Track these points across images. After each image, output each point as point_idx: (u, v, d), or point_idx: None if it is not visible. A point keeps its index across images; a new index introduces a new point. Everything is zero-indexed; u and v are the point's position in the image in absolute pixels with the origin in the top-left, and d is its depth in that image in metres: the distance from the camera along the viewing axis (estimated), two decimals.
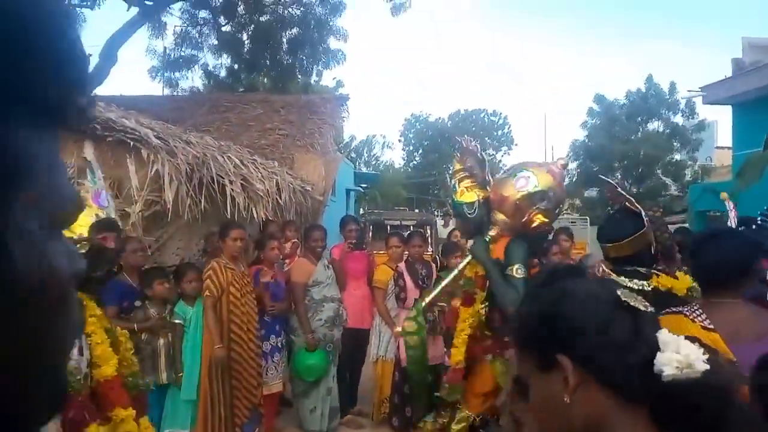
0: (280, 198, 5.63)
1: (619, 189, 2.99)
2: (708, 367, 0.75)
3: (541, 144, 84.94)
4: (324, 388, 4.72)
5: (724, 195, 3.77)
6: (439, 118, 40.81)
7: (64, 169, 0.37)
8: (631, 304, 0.84)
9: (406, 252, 5.33)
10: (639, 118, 26.27)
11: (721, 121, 26.36)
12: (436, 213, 25.19)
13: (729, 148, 13.06)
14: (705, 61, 67.14)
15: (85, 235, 1.85)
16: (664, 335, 0.79)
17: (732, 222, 3.44)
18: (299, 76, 15.42)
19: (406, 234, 5.92)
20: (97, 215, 1.86)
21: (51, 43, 0.33)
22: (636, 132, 25.93)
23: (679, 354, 0.75)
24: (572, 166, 28.74)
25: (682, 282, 2.48)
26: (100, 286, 2.12)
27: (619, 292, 0.85)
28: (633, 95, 26.63)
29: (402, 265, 5.14)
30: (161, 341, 3.75)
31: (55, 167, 0.35)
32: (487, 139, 40.75)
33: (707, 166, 24.15)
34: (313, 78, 16.92)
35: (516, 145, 41.07)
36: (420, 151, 40.62)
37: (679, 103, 25.20)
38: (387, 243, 5.56)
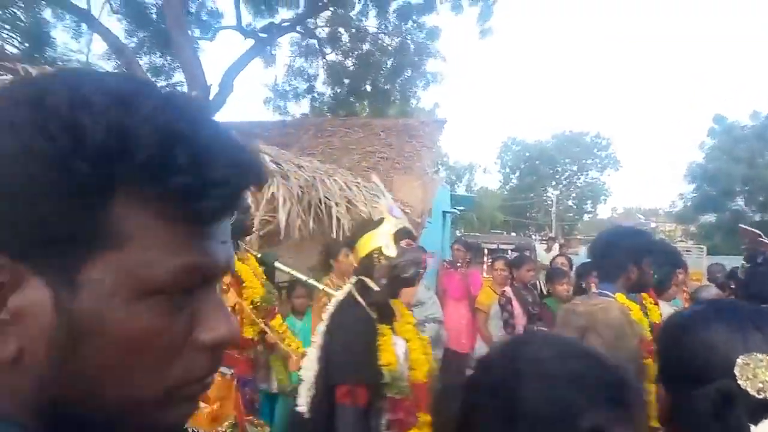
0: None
1: (763, 237, 2.74)
2: None
3: (650, 165, 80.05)
4: None
5: None
6: (538, 140, 39.85)
7: (177, 246, 0.41)
8: None
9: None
10: (763, 141, 24.09)
11: None
12: (534, 237, 24.43)
13: None
14: None
15: (391, 242, 2.03)
16: None
17: None
18: (398, 100, 15.82)
19: (511, 257, 5.82)
20: (396, 225, 2.11)
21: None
22: (761, 155, 23.76)
23: None
24: (688, 189, 26.88)
25: None
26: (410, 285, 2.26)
27: None
28: (760, 115, 24.50)
29: (509, 290, 5.03)
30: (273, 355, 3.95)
31: (159, 243, 0.40)
32: (588, 160, 39.17)
33: None
34: (413, 102, 17.28)
35: (622, 166, 39.07)
36: (517, 174, 39.79)
37: None
38: (492, 266, 5.49)
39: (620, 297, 2.33)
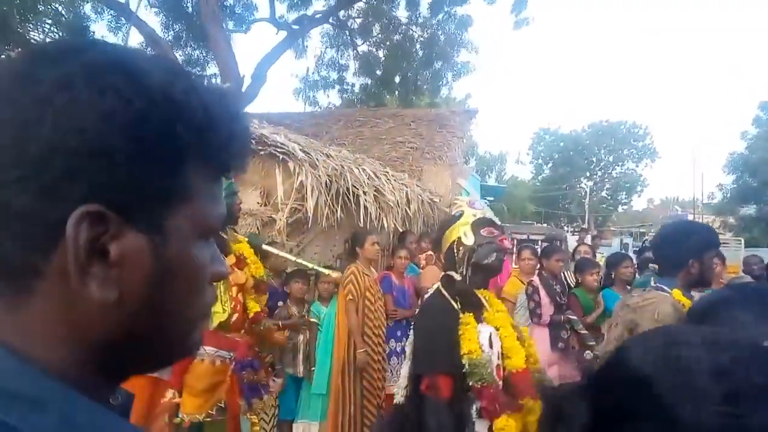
0: (409, 209, 5.78)
1: None
2: None
3: (689, 155, 77.69)
4: None
5: None
6: (573, 130, 39.12)
7: (218, 198, 0.53)
8: None
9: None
10: None
11: None
12: (566, 228, 24.07)
13: None
14: None
15: (470, 231, 2.07)
16: None
17: None
18: (429, 91, 15.78)
19: (541, 247, 5.78)
20: (474, 215, 2.12)
21: (198, 117, 0.48)
22: None
23: None
24: (728, 180, 26.06)
25: None
26: (493, 275, 2.30)
27: None
28: None
29: (536, 280, 5.01)
30: (300, 337, 4.07)
31: (211, 195, 0.51)
32: (624, 151, 38.28)
33: None
34: (444, 92, 17.20)
35: (660, 157, 38.05)
36: (549, 165, 39.19)
37: None
38: (519, 255, 5.47)
39: (676, 293, 2.29)
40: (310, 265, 3.24)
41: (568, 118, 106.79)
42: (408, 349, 2.10)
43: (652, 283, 2.40)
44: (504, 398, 1.84)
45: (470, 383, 1.82)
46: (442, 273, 2.13)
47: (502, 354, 1.96)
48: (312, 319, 4.10)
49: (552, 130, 39.74)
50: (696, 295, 2.53)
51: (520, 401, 1.86)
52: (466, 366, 1.83)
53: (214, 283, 0.55)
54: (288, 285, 4.15)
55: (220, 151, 0.51)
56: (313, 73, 15.81)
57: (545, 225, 26.62)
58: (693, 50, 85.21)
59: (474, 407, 1.83)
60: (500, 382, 1.89)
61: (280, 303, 4.12)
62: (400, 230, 5.35)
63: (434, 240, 2.22)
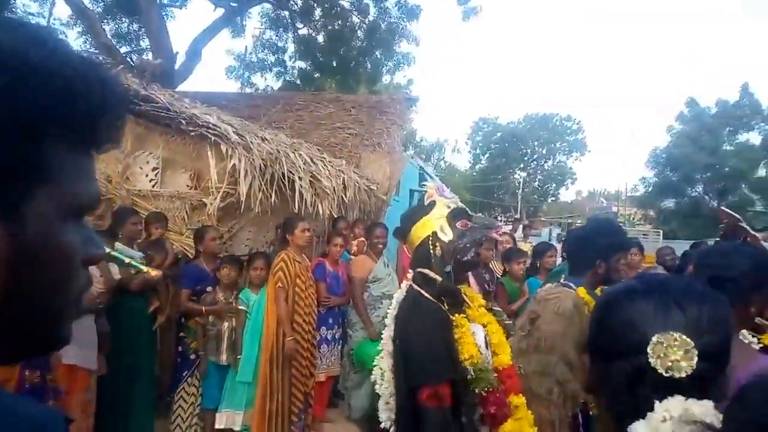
0: (345, 195, 5.77)
1: (743, 222, 2.80)
2: None
3: (616, 150, 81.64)
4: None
5: None
6: (511, 122, 40.16)
7: (89, 174, 0.49)
8: None
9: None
10: (728, 129, 24.75)
11: None
12: (499, 217, 24.78)
13: None
14: None
15: (447, 226, 1.91)
16: None
17: None
18: (369, 78, 15.71)
19: None
20: (448, 206, 1.96)
21: (64, 83, 0.45)
22: (724, 143, 24.44)
23: None
24: (650, 174, 27.51)
25: None
26: (471, 270, 2.19)
27: None
28: (725, 104, 25.09)
29: None
30: (226, 324, 3.99)
31: (78, 172, 0.48)
32: (557, 144, 39.71)
33: None
34: (385, 78, 17.20)
35: (589, 151, 39.76)
36: (486, 155, 40.12)
37: None
38: None
39: (581, 290, 2.41)
40: (127, 261, 2.96)
41: (507, 109, 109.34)
42: (386, 365, 1.91)
43: (562, 280, 2.54)
44: (506, 402, 1.76)
45: (475, 390, 1.71)
46: (412, 270, 1.97)
47: (492, 351, 1.88)
48: (240, 306, 4.02)
49: (490, 121, 40.63)
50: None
51: (507, 399, 1.79)
52: (471, 373, 1.71)
53: (92, 267, 0.52)
54: (219, 270, 4.06)
55: (86, 124, 0.47)
56: (250, 53, 15.40)
57: (480, 214, 27.26)
58: (628, 47, 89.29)
59: (477, 414, 1.73)
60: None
61: (209, 288, 4.02)
62: (335, 216, 5.33)
63: (400, 231, 2.05)
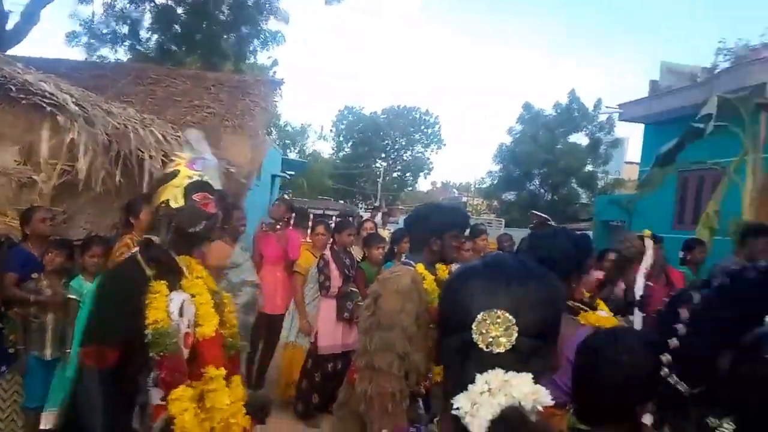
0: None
1: (550, 221, 3.10)
2: None
3: (469, 145, 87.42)
4: None
5: (647, 233, 3.87)
6: (374, 111, 41.01)
7: None
8: None
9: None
10: (561, 129, 27.61)
11: (631, 137, 28.24)
12: (359, 205, 25.31)
13: (637, 163, 14.01)
14: (625, 81, 71.67)
15: (180, 195, 1.83)
16: None
17: (647, 261, 3.52)
18: (233, 55, 15.03)
19: (334, 222, 5.99)
20: (190, 177, 1.84)
21: None
22: (558, 142, 27.25)
23: None
24: (496, 168, 29.86)
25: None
26: (202, 243, 2.10)
27: None
28: (559, 107, 27.95)
29: (327, 253, 5.18)
30: (50, 316, 3.60)
31: None
32: (416, 135, 41.40)
33: (619, 180, 25.83)
34: (249, 58, 16.53)
35: (445, 144, 42.03)
36: (350, 143, 40.62)
37: (598, 119, 26.74)
38: (313, 230, 5.61)
39: (420, 267, 2.56)
40: None
41: (370, 99, 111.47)
42: None
43: (403, 258, 2.72)
44: (184, 368, 1.79)
45: (151, 353, 1.74)
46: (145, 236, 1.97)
47: (195, 322, 1.91)
48: (71, 296, 3.63)
49: (355, 110, 41.16)
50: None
51: (202, 369, 1.83)
52: (150, 336, 1.74)
53: None
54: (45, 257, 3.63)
55: None
56: (101, 22, 13.91)
57: (341, 202, 27.65)
58: (479, 49, 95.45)
59: (152, 376, 1.76)
60: (186, 351, 1.83)
61: (35, 274, 3.59)
62: None
63: (146, 197, 2.04)
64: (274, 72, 20.82)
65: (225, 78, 10.56)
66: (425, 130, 41.49)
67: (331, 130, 41.59)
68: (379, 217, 10.29)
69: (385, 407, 2.25)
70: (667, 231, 8.76)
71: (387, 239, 6.00)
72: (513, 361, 0.78)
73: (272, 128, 27.97)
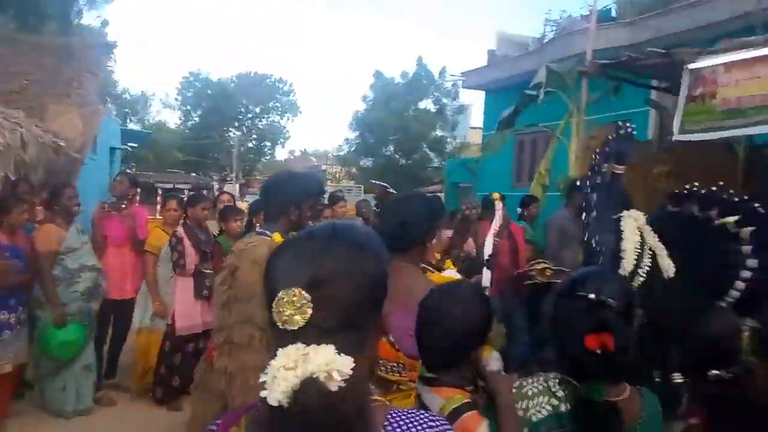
0: (26, 153, 4.89)
1: (390, 189, 3.21)
2: None
3: (326, 114, 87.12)
4: (79, 365, 4.35)
5: (495, 196, 4.12)
6: (222, 78, 38.98)
7: None
8: None
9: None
10: (411, 96, 28.59)
11: (475, 103, 30.16)
12: (214, 177, 24.19)
13: (480, 128, 14.99)
14: (468, 50, 75.81)
15: None
16: None
17: (498, 221, 3.78)
18: (54, 15, 13.25)
19: (186, 196, 5.66)
20: None
21: None
22: (409, 109, 28.21)
23: None
24: (352, 136, 30.24)
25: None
26: None
27: None
28: (408, 76, 28.84)
29: (180, 230, 4.91)
30: None
31: None
32: (271, 103, 40.28)
33: (464, 144, 27.54)
34: (74, 19, 14.70)
35: (301, 112, 41.40)
36: (199, 112, 38.37)
37: (444, 86, 28.10)
38: (164, 206, 5.26)
39: (277, 236, 2.50)
40: None
41: (219, 65, 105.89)
42: None
43: (258, 229, 2.67)
44: None
45: None
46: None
47: None
48: None
49: (202, 77, 38.80)
50: None
51: None
52: None
53: None
54: None
55: None
56: None
57: (194, 174, 26.20)
58: (333, 15, 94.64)
59: None
60: None
61: None
62: (12, 178, 4.47)
63: None
64: (106, 34, 18.81)
65: (47, 41, 9.38)
66: (280, 97, 40.50)
67: (176, 98, 38.91)
68: (237, 189, 9.96)
69: (247, 382, 2.21)
70: (508, 190, 9.59)
71: (245, 211, 5.85)
72: (315, 335, 0.78)
73: (107, 97, 25.48)
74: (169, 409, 4.69)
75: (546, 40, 12.20)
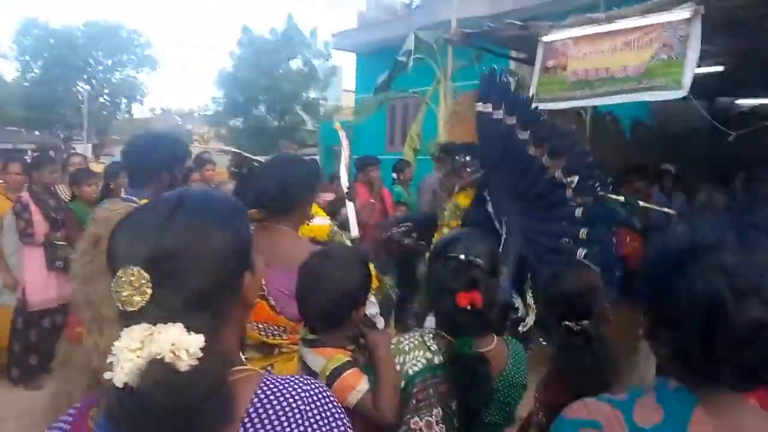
0: None
1: (245, 154, 3.17)
2: None
3: (190, 70, 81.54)
4: None
5: (337, 125, 4.27)
6: (66, 26, 34.69)
7: None
8: None
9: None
10: (281, 55, 27.64)
11: (347, 66, 30.01)
12: (61, 135, 21.81)
13: (353, 91, 15.00)
14: (339, 12, 74.65)
15: None
16: None
17: (345, 151, 3.92)
18: None
19: (30, 158, 5.09)
20: None
21: None
22: (279, 68, 27.30)
23: None
24: (219, 95, 28.76)
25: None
26: None
27: None
28: (278, 33, 27.78)
29: (25, 196, 4.43)
30: None
31: None
32: (123, 56, 36.81)
33: (337, 106, 27.40)
34: None
35: (159, 66, 38.27)
36: (40, 63, 33.98)
37: (316, 47, 27.53)
38: (4, 169, 4.72)
39: (145, 203, 2.38)
40: None
41: (61, 11, 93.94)
42: None
43: (123, 194, 2.51)
44: None
45: None
46: None
47: None
48: None
49: (41, 24, 34.24)
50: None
51: None
52: None
53: None
54: None
55: None
56: None
57: (37, 133, 23.43)
58: None
59: None
60: None
61: None
62: None
63: None
64: None
65: None
66: (135, 49, 37.06)
67: (12, 48, 34.09)
68: (89, 150, 9.09)
69: None
70: (382, 153, 9.80)
71: (100, 174, 5.40)
72: (161, 315, 0.75)
73: None
74: (26, 389, 4.35)
75: (414, 5, 12.42)
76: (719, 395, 0.85)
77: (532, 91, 4.89)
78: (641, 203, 4.76)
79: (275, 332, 2.08)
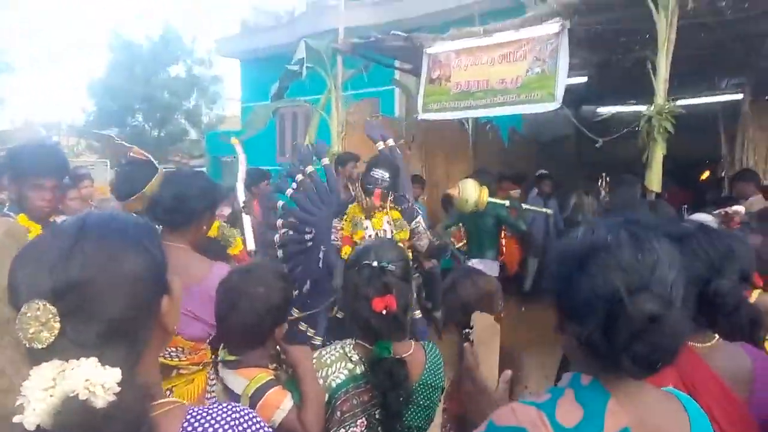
0: None
1: (118, 140, 3.04)
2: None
3: (52, 79, 74.56)
4: None
5: (234, 140, 4.17)
6: None
7: None
8: None
9: None
10: (159, 62, 26.23)
11: (231, 74, 29.10)
12: None
13: (239, 100, 14.59)
14: (222, 17, 72.16)
15: None
16: None
17: (242, 165, 3.83)
18: None
19: None
20: None
21: None
22: (156, 75, 25.90)
23: None
24: (90, 104, 26.80)
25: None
26: None
27: None
28: (154, 40, 26.37)
29: None
30: None
31: None
32: None
33: (221, 115, 26.49)
34: None
35: (14, 71, 34.73)
36: None
37: (197, 55, 26.46)
38: None
39: (22, 218, 2.31)
40: None
41: None
42: None
43: (6, 210, 2.39)
44: None
45: None
46: None
47: None
48: None
49: None
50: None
51: None
52: None
53: None
54: None
55: None
56: None
57: None
58: None
59: None
60: None
61: None
62: None
63: None
64: None
65: None
66: None
67: None
68: None
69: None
70: (272, 163, 9.65)
71: None
72: (72, 350, 0.71)
73: None
74: None
75: (297, 13, 12.36)
76: (625, 384, 0.95)
77: (420, 101, 5.08)
78: (524, 205, 5.13)
79: (173, 353, 2.03)
